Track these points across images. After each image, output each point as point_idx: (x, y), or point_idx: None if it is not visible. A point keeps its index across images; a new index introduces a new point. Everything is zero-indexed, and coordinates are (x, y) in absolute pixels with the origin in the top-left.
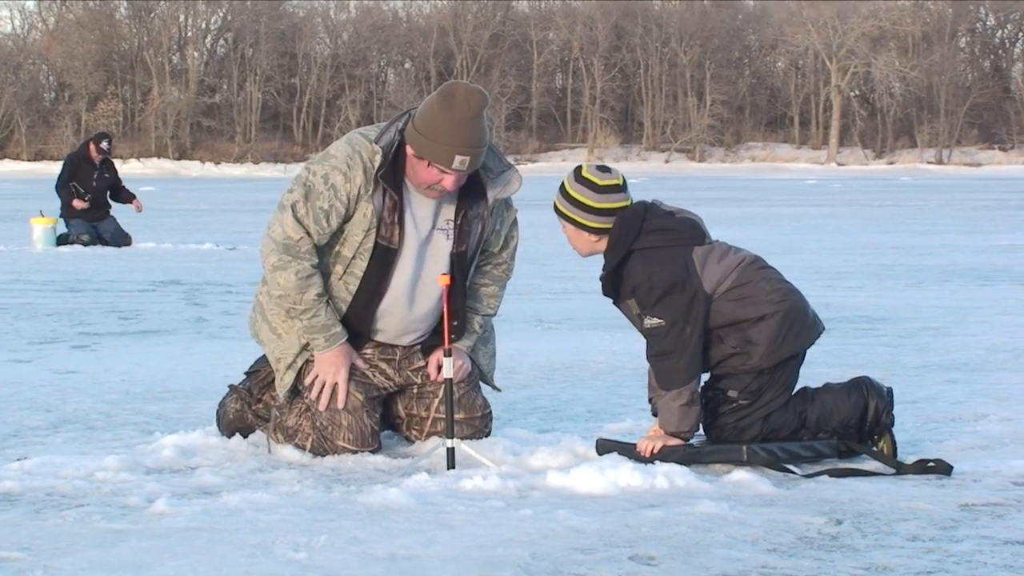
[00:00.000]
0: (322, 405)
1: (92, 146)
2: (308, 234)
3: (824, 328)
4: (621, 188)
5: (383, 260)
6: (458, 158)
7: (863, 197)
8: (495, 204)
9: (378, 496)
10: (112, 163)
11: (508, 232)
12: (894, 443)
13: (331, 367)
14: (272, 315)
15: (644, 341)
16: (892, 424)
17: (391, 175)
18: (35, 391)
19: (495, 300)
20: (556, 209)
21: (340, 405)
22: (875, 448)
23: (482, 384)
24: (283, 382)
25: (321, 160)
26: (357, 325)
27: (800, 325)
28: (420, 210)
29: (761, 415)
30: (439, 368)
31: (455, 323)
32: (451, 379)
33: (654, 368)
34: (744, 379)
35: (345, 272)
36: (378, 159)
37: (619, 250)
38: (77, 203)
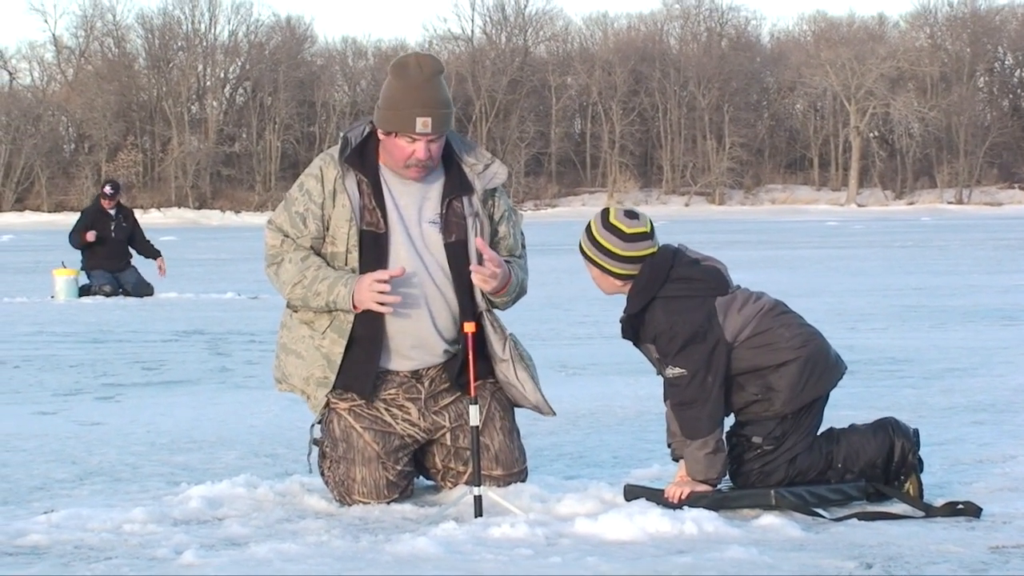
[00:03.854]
0: (391, 299)
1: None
2: (287, 237)
3: (847, 368)
4: (648, 235)
5: (375, 247)
6: (419, 120)
7: (884, 238)
8: (489, 200)
9: (406, 545)
10: (129, 211)
11: (522, 238)
12: (920, 484)
13: (363, 292)
14: (295, 342)
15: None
16: (921, 466)
17: (357, 158)
18: (61, 443)
19: (522, 273)
20: (582, 251)
21: (387, 276)
22: (902, 489)
23: (534, 412)
24: (316, 400)
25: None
26: (370, 330)
27: (821, 369)
28: (403, 198)
29: (786, 459)
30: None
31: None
32: (477, 427)
33: (677, 417)
34: (768, 425)
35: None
36: (341, 146)
37: (643, 297)
38: (89, 235)
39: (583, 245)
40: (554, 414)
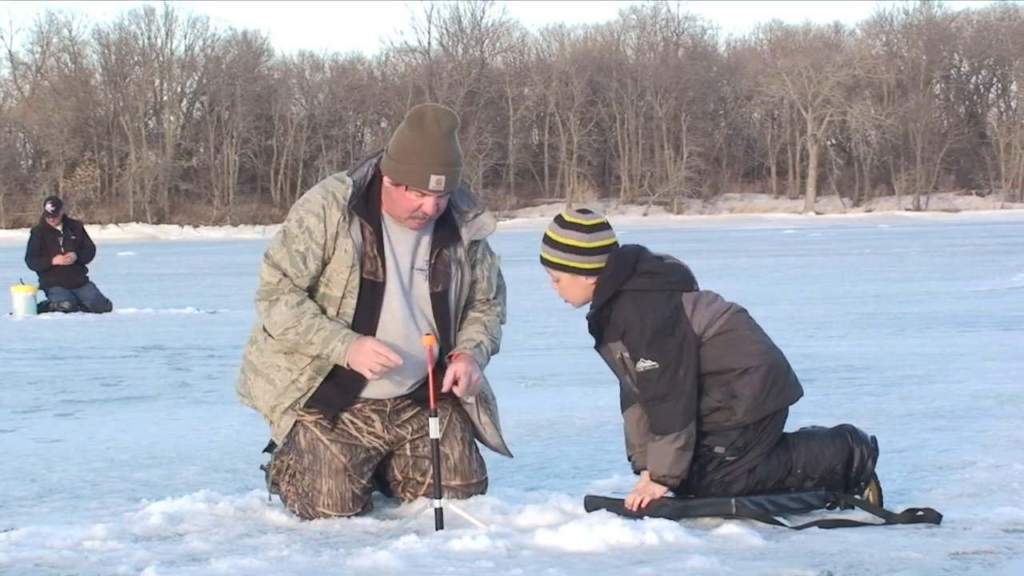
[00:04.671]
0: (393, 363)
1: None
2: (286, 275)
3: (803, 392)
4: (607, 225)
5: (371, 295)
6: (434, 178)
7: (842, 246)
8: (472, 247)
9: (367, 559)
10: (77, 223)
11: (498, 280)
12: (880, 491)
13: (364, 355)
14: (267, 367)
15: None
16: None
17: (363, 206)
18: (20, 461)
19: (495, 330)
20: (547, 261)
21: (395, 359)
22: (861, 496)
23: (489, 451)
24: (280, 428)
25: (298, 206)
26: (352, 372)
27: (784, 381)
28: (399, 245)
29: (746, 469)
30: (455, 382)
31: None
32: (437, 439)
33: (649, 413)
34: (730, 435)
35: (338, 313)
36: (349, 192)
37: (609, 288)
38: (59, 259)
39: (545, 254)
40: (512, 456)
